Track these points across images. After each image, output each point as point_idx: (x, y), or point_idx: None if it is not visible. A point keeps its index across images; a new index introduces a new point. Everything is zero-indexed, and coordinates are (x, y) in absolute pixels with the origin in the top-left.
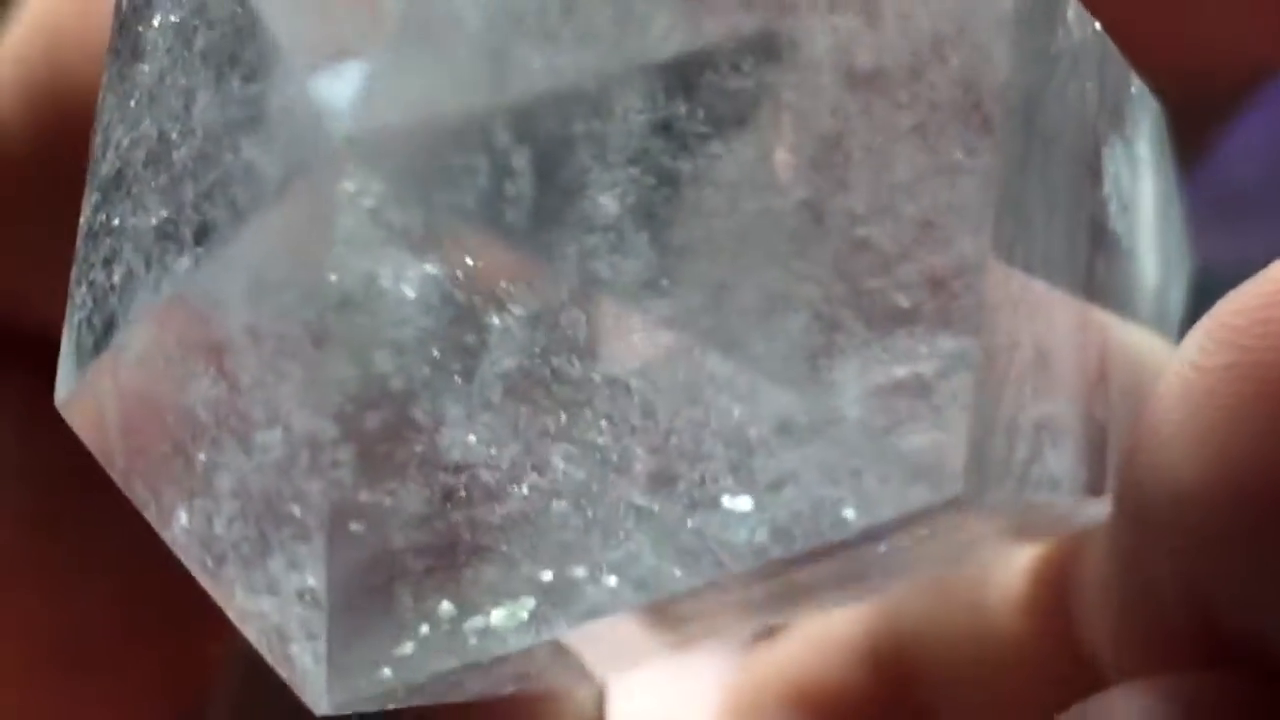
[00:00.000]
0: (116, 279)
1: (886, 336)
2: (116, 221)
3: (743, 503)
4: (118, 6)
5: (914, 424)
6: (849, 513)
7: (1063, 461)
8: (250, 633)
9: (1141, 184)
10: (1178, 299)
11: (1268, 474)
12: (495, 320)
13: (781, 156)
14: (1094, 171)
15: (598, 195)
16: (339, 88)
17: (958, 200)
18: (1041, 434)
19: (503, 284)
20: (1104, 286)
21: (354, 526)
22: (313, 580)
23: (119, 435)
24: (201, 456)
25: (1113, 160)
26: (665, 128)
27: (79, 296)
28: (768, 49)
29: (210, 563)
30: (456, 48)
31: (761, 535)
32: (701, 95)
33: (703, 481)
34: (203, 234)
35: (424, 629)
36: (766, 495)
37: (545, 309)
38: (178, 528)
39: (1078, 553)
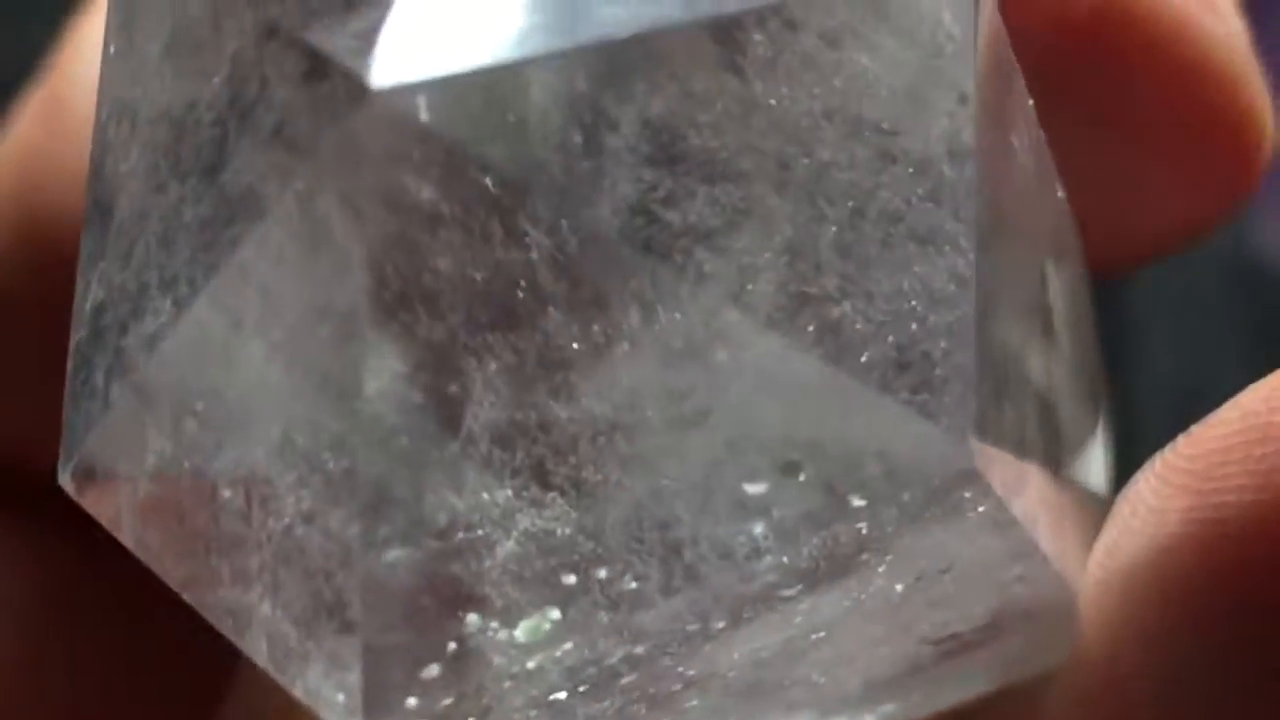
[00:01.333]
0: (116, 376)
1: (889, 390)
2: (112, 328)
3: (758, 488)
4: (92, 152)
5: (916, 408)
6: (856, 501)
7: (1041, 539)
8: (302, 698)
9: (1077, 303)
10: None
11: (1232, 622)
12: (476, 374)
13: (762, 238)
14: (1043, 275)
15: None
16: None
17: (941, 272)
18: (1025, 510)
19: (485, 336)
20: (1054, 393)
21: (369, 596)
22: (345, 647)
23: (151, 539)
24: (236, 554)
25: (1052, 274)
26: (655, 184)
27: (77, 398)
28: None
29: (261, 649)
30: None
31: (769, 529)
32: (691, 152)
33: (713, 496)
34: (199, 284)
35: (450, 647)
36: (776, 484)
37: (525, 357)
38: (231, 621)
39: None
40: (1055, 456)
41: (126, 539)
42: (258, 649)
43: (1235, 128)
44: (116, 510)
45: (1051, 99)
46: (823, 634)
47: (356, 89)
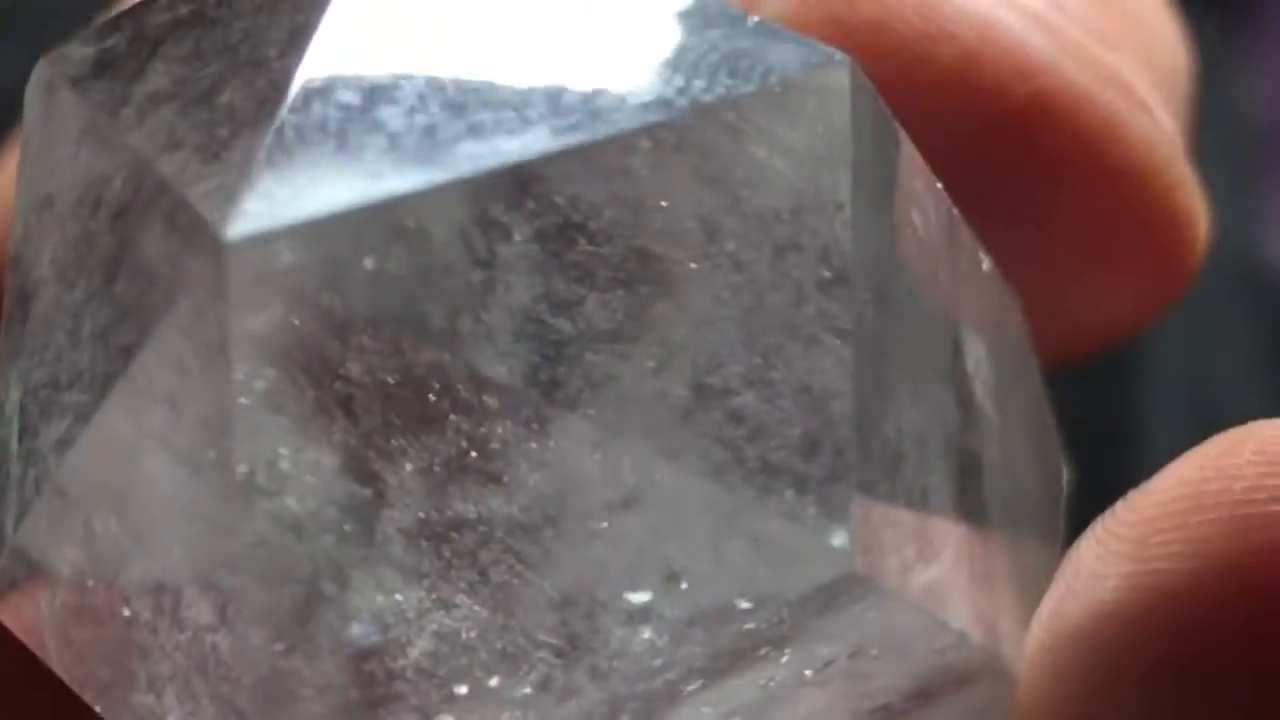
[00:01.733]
0: (31, 483)
1: (768, 495)
2: (28, 431)
3: (642, 596)
4: (10, 256)
5: (806, 521)
6: (743, 604)
7: (953, 615)
8: None
9: (1006, 369)
10: (1060, 491)
11: (1168, 687)
12: (391, 478)
13: (660, 339)
14: (956, 351)
15: (491, 317)
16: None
17: (820, 367)
18: (931, 589)
19: (395, 441)
20: (976, 459)
21: (281, 698)
22: None
23: (56, 638)
24: (132, 653)
25: (973, 343)
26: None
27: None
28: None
29: None
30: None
31: (659, 634)
32: (577, 252)
33: (605, 600)
34: (92, 414)
35: None
36: (660, 591)
37: (438, 458)
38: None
39: None
40: (981, 518)
41: (46, 649)
42: None
43: (1166, 230)
44: (38, 620)
45: (981, 192)
46: (738, 717)
47: (213, 240)
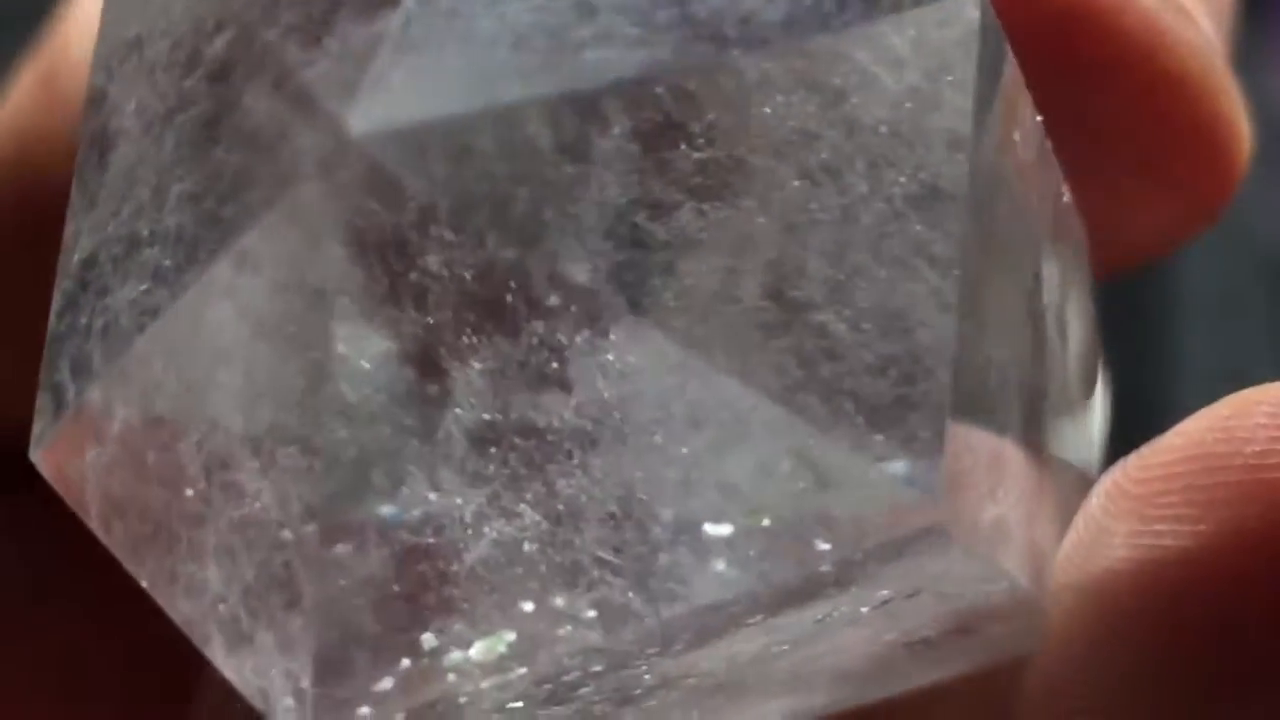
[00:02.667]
0: (97, 336)
1: (861, 437)
2: (97, 285)
3: (722, 530)
4: (88, 98)
5: (889, 458)
6: (822, 545)
7: (1011, 559)
8: (238, 682)
9: (1071, 300)
10: (1100, 422)
11: (1166, 646)
12: (458, 375)
13: (747, 243)
14: (1036, 279)
15: (578, 233)
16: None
17: (920, 295)
18: (996, 528)
19: (465, 338)
20: (1042, 393)
21: (328, 584)
22: (296, 631)
23: (101, 497)
24: (181, 519)
25: (1050, 270)
26: (645, 183)
27: (57, 355)
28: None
29: (197, 620)
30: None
31: (734, 568)
32: (676, 158)
33: (673, 519)
34: (195, 253)
35: (404, 663)
36: (740, 527)
37: (508, 360)
38: (163, 586)
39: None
40: (1038, 443)
41: (87, 506)
42: (211, 645)
43: (1207, 138)
44: (80, 471)
45: None
46: (786, 647)
47: (330, 118)
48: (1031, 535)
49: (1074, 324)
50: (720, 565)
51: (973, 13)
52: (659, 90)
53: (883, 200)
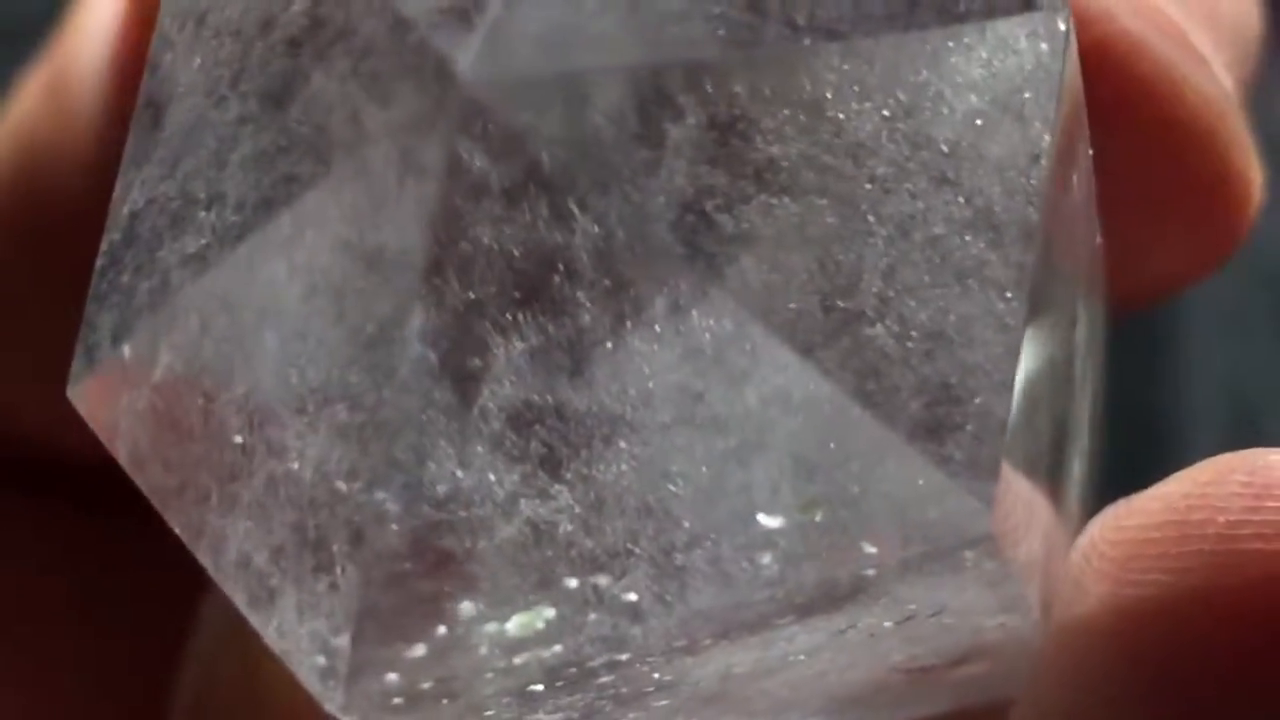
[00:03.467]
0: (144, 285)
1: (923, 440)
2: (147, 238)
3: (774, 521)
4: (149, 63)
5: (947, 467)
6: (869, 548)
7: (1032, 594)
8: (264, 634)
9: (1094, 344)
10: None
11: (1139, 708)
12: (499, 352)
13: (806, 244)
14: (1073, 320)
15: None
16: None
17: (988, 316)
18: (1026, 561)
19: (511, 315)
20: (1066, 432)
21: (365, 547)
22: (329, 592)
23: (133, 442)
24: (215, 472)
25: (1083, 312)
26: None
27: (101, 299)
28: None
29: (237, 578)
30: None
31: (780, 562)
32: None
33: (723, 508)
34: (255, 214)
35: (440, 630)
36: (793, 520)
37: (555, 341)
38: (192, 535)
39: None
40: (1061, 489)
41: (118, 447)
42: (235, 590)
43: (1215, 187)
44: (115, 414)
45: None
46: (802, 657)
47: (440, 65)
48: (1045, 576)
49: (1092, 369)
50: (767, 559)
51: (1061, 28)
52: (735, 84)
53: (953, 215)
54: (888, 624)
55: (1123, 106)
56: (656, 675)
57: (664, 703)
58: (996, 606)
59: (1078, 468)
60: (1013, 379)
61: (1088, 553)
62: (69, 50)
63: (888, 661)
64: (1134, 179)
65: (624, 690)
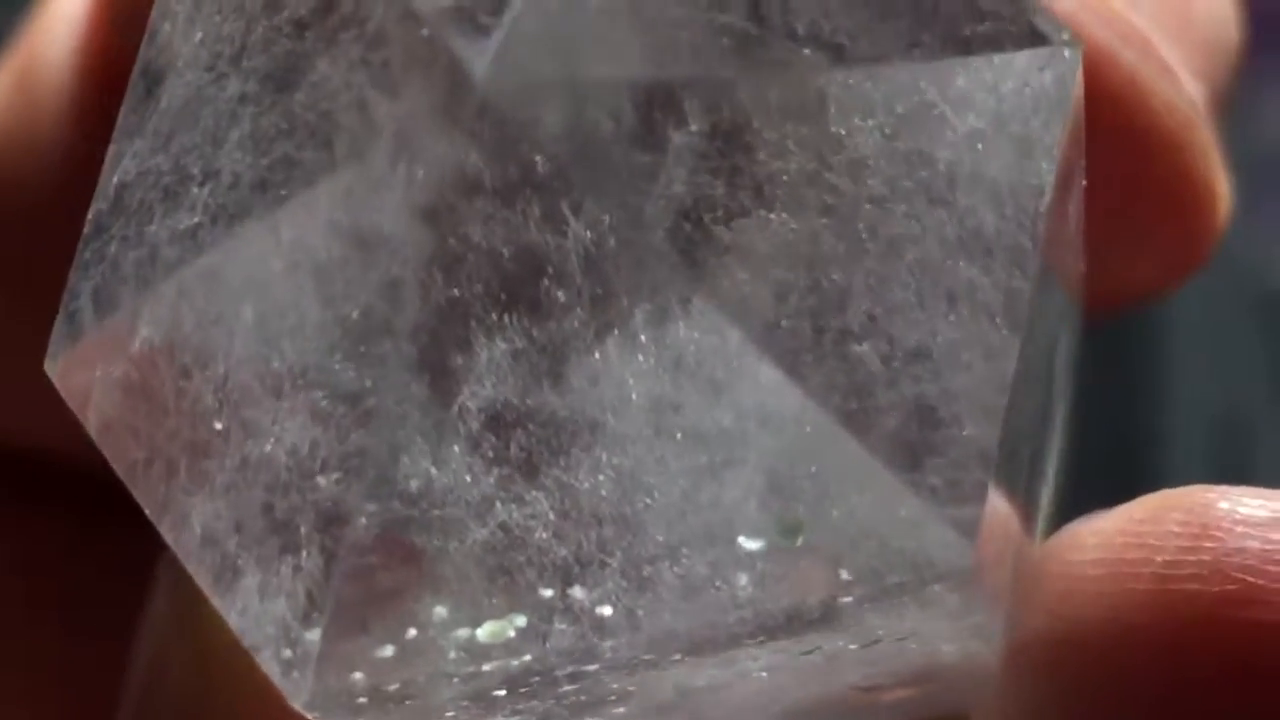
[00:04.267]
0: (131, 257)
1: (908, 470)
2: (137, 211)
3: (754, 544)
4: (147, 32)
5: (932, 498)
6: (845, 574)
7: (996, 622)
8: (236, 625)
9: (1068, 368)
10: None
11: None
12: (482, 353)
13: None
14: (1054, 345)
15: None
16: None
17: (980, 337)
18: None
19: (496, 315)
20: (1043, 459)
21: (338, 540)
22: (300, 583)
23: (105, 414)
24: (186, 449)
25: (1064, 337)
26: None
27: (85, 270)
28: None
29: (201, 557)
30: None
31: (758, 585)
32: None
33: (703, 526)
34: (249, 195)
35: (410, 633)
36: (773, 543)
37: (534, 347)
38: (156, 511)
39: None
40: (1034, 509)
41: (88, 416)
42: (199, 568)
43: (1181, 197)
44: (89, 383)
45: None
46: (763, 674)
47: (454, 64)
48: (1009, 599)
49: (1066, 385)
50: (744, 579)
51: (1069, 59)
52: (739, 95)
53: (950, 238)
54: (852, 647)
55: (1089, 116)
56: (617, 686)
57: (620, 710)
58: (962, 633)
59: (1048, 486)
60: (1001, 407)
61: (1033, 575)
62: (37, 43)
63: (845, 680)
64: (1100, 189)
65: (583, 699)
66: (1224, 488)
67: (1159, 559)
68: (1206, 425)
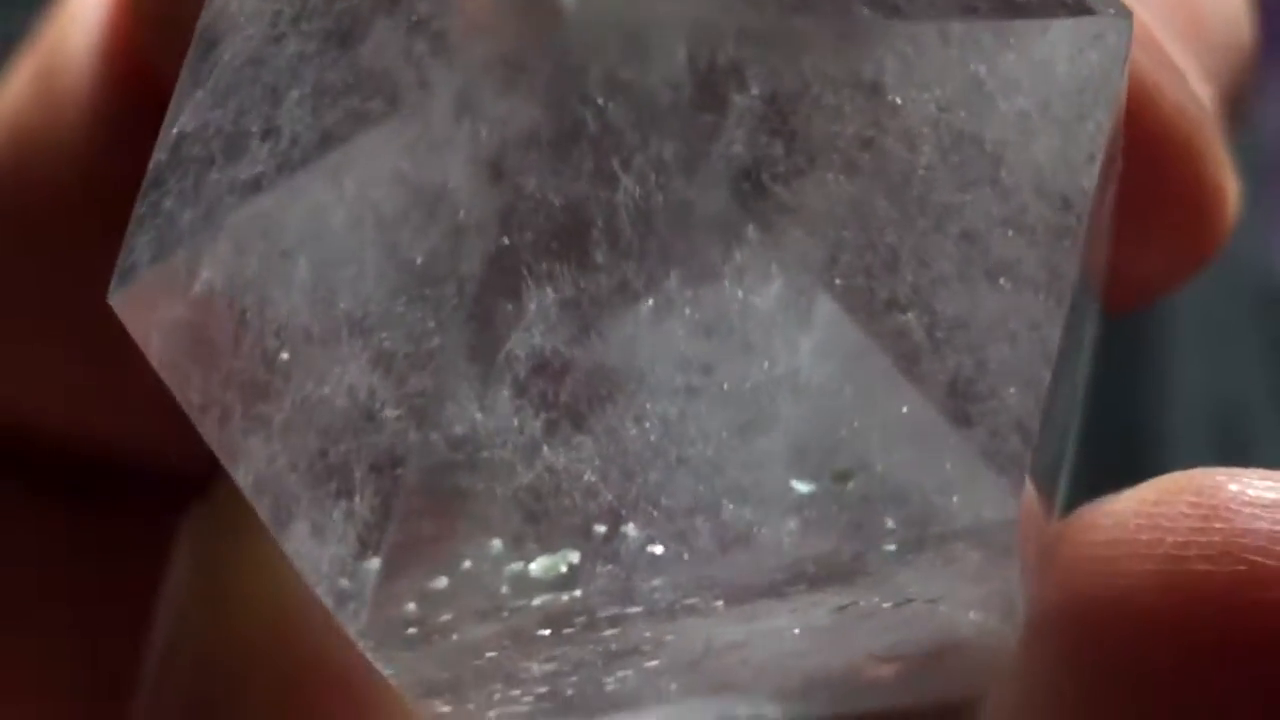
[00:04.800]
0: (193, 200)
1: (961, 419)
2: (198, 160)
3: (805, 486)
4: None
5: (978, 447)
6: (890, 522)
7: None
8: (295, 558)
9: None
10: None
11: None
12: (531, 303)
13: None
14: (1082, 336)
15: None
16: None
17: (1035, 312)
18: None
19: (545, 265)
20: (1064, 445)
21: (396, 475)
22: (357, 516)
23: (173, 358)
24: (265, 386)
25: (1089, 330)
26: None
27: (144, 215)
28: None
29: (260, 494)
30: None
31: (806, 528)
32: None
33: (753, 467)
34: (311, 147)
35: (465, 564)
36: (824, 487)
37: (584, 296)
38: (236, 447)
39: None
40: (1054, 496)
41: (153, 356)
42: (260, 505)
43: (1189, 198)
44: (149, 324)
45: None
46: (797, 630)
47: (547, 7)
48: (1029, 585)
49: (1085, 372)
50: (791, 524)
51: (1123, 34)
52: (801, 57)
53: (998, 212)
54: (885, 605)
55: None
56: (650, 634)
57: (652, 664)
58: (990, 600)
59: (1065, 474)
60: (1045, 379)
61: (1046, 554)
62: (58, 37)
63: (869, 646)
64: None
65: (616, 648)
66: (1234, 470)
67: (1170, 540)
68: (1206, 422)
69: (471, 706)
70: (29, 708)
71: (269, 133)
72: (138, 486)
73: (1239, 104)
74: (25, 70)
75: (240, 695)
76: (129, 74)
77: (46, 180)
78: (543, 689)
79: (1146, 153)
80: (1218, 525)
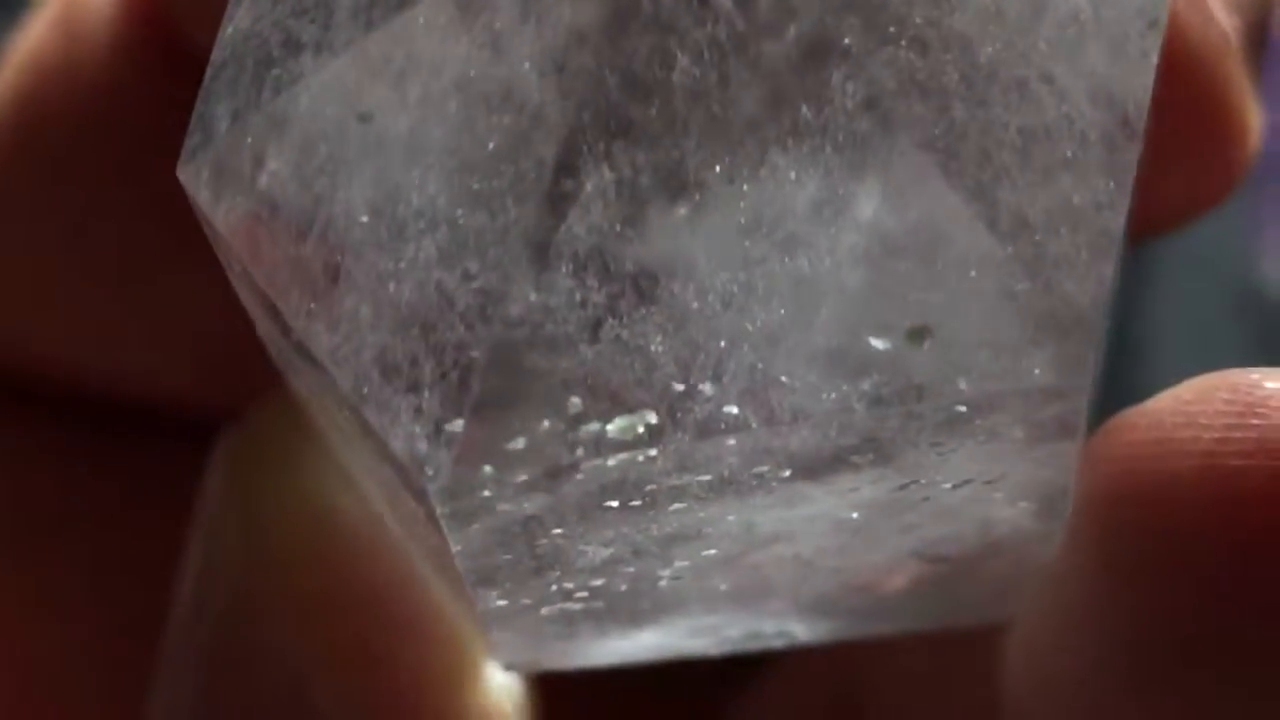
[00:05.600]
0: (257, 88)
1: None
2: (255, 51)
3: (881, 343)
4: None
5: (1049, 309)
6: (963, 384)
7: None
8: (375, 419)
9: None
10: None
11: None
12: (593, 178)
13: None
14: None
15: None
16: None
17: (1095, 202)
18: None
19: (604, 145)
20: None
21: (470, 339)
22: (446, 381)
23: (238, 238)
24: (340, 258)
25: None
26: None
27: (215, 93)
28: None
29: (342, 361)
30: None
31: (877, 387)
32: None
33: (831, 323)
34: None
35: (544, 424)
36: (899, 346)
37: (642, 176)
38: (305, 317)
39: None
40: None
41: (222, 246)
42: (340, 373)
43: (1211, 125)
44: (217, 207)
45: None
46: (855, 515)
47: None
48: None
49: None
50: (866, 384)
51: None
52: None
53: (1061, 112)
54: (946, 486)
55: None
56: (708, 514)
57: (711, 552)
58: (1041, 493)
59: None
60: (1112, 256)
61: (1086, 456)
62: None
63: (914, 542)
64: None
65: (675, 528)
66: (1268, 369)
67: (1207, 437)
68: None
69: (527, 600)
70: (43, 636)
71: (327, 29)
72: (164, 420)
73: (1263, 35)
74: (48, 9)
75: (274, 617)
76: (147, 14)
77: (68, 112)
78: (598, 581)
79: (1171, 79)
80: (1254, 421)
